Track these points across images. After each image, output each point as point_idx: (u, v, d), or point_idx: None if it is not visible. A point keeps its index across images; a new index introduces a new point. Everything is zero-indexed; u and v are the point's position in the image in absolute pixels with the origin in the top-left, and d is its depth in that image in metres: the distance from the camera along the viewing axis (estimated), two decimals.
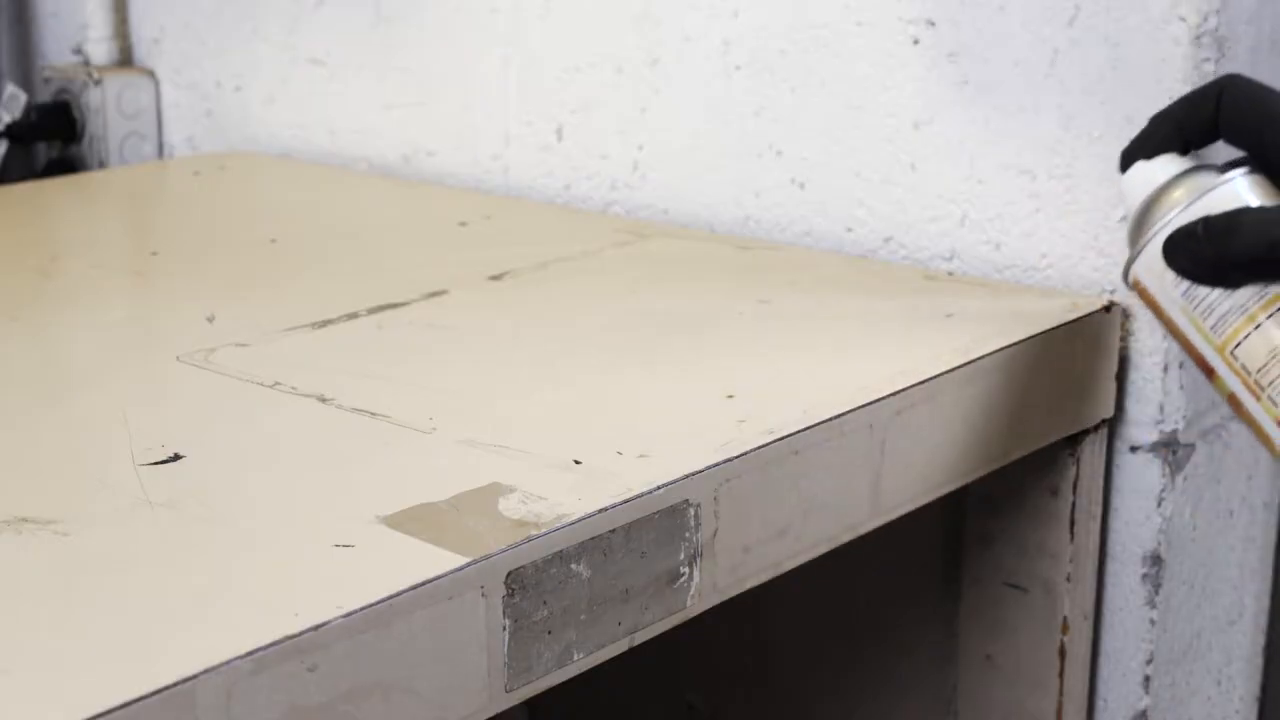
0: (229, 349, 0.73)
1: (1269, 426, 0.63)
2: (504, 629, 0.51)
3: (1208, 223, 0.61)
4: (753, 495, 0.60)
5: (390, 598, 0.48)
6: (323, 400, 0.66)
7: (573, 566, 0.53)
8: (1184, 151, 0.65)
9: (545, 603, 0.53)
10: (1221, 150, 0.65)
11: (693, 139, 1.00)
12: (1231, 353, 0.63)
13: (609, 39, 1.03)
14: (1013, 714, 0.88)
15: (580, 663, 0.54)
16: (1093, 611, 0.86)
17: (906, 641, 0.93)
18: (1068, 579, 0.84)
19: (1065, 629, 0.85)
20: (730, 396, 0.66)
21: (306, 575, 0.50)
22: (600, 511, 0.54)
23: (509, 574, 0.51)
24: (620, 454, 0.59)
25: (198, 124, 1.33)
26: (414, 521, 0.53)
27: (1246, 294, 0.62)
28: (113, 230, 1.08)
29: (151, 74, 1.35)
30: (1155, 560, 0.85)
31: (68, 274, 0.91)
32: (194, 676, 0.43)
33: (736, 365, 0.71)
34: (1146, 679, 0.87)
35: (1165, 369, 0.82)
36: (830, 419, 0.63)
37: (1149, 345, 0.82)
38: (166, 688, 0.43)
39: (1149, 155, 0.66)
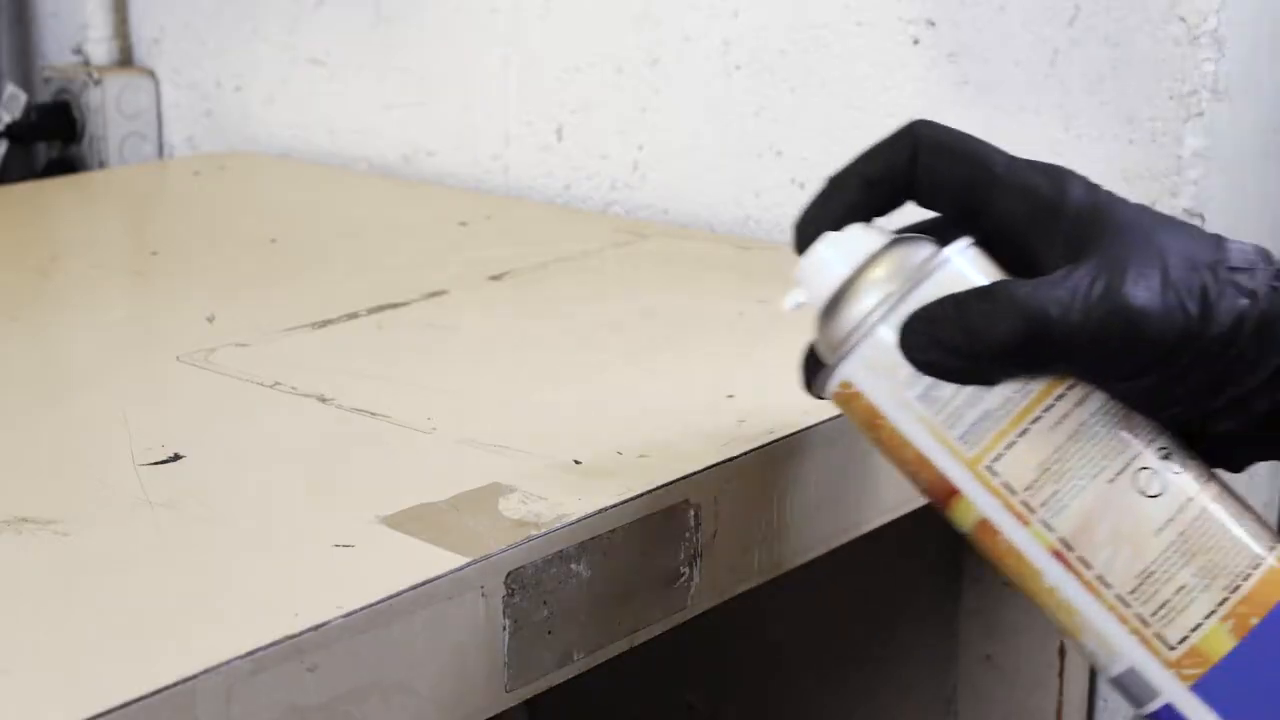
0: (229, 349, 0.73)
1: (1038, 558, 0.51)
2: (504, 629, 0.51)
3: (958, 302, 0.49)
4: (753, 495, 0.60)
5: (390, 598, 0.48)
6: (323, 400, 0.66)
7: (573, 566, 0.53)
8: (871, 219, 0.53)
9: (545, 603, 0.53)
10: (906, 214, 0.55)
11: (693, 139, 1.00)
12: (988, 468, 0.50)
13: (609, 39, 1.03)
14: (1013, 714, 0.88)
15: (580, 663, 0.54)
16: None
17: (906, 641, 0.93)
18: None
19: None
20: (730, 396, 0.66)
21: (306, 575, 0.50)
22: (600, 511, 0.54)
23: (509, 574, 0.51)
24: (620, 454, 0.59)
25: (198, 124, 1.33)
26: (414, 521, 0.53)
27: (1005, 392, 0.50)
28: (113, 230, 1.08)
29: (151, 74, 1.35)
30: None
31: (68, 274, 0.91)
32: (194, 676, 0.43)
33: (736, 365, 0.71)
34: None
35: None
36: (830, 419, 0.63)
37: None
38: (166, 688, 0.43)
39: (834, 225, 0.52)
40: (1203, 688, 0.49)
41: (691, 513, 0.58)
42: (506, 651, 0.51)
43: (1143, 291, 0.48)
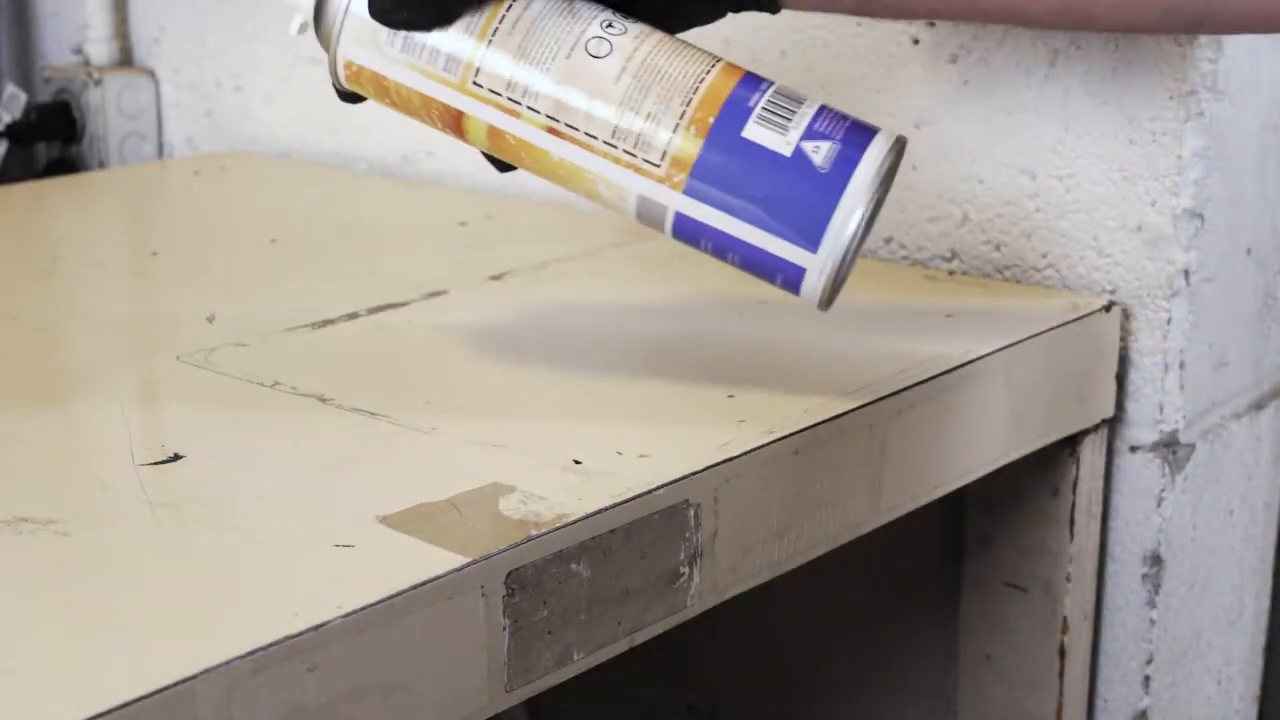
0: (229, 349, 0.73)
1: (538, 139, 0.61)
2: (504, 629, 0.51)
3: None
4: (753, 495, 0.60)
5: (390, 598, 0.48)
6: (323, 400, 0.66)
7: (573, 566, 0.53)
8: None
9: (545, 603, 0.53)
10: None
11: None
12: (474, 84, 0.61)
13: None
14: (1013, 714, 0.88)
15: (580, 663, 0.54)
16: (1093, 611, 0.86)
17: (906, 641, 0.93)
18: (1068, 579, 0.84)
19: (1065, 629, 0.85)
20: (730, 396, 0.66)
21: (306, 575, 0.50)
22: (600, 511, 0.54)
23: (509, 574, 0.51)
24: (620, 454, 0.59)
25: (198, 124, 1.33)
26: (414, 521, 0.53)
27: (465, 21, 0.61)
28: (113, 230, 1.08)
29: (151, 74, 1.35)
30: (1155, 560, 0.85)
31: (68, 274, 0.91)
32: (194, 676, 0.43)
33: (736, 365, 0.71)
34: (1146, 679, 0.87)
35: (1165, 369, 0.82)
36: (830, 419, 0.63)
37: (1149, 345, 0.82)
38: (166, 688, 0.43)
39: None
40: (692, 188, 0.61)
41: (691, 513, 0.58)
42: (506, 651, 0.51)
43: None
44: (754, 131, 0.60)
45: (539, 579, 0.52)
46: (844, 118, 0.62)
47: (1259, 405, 0.91)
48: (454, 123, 0.62)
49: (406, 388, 0.67)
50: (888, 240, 0.91)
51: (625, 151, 0.61)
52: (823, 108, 0.62)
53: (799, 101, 0.62)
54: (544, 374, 0.71)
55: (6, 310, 0.82)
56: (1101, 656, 0.88)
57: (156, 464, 0.59)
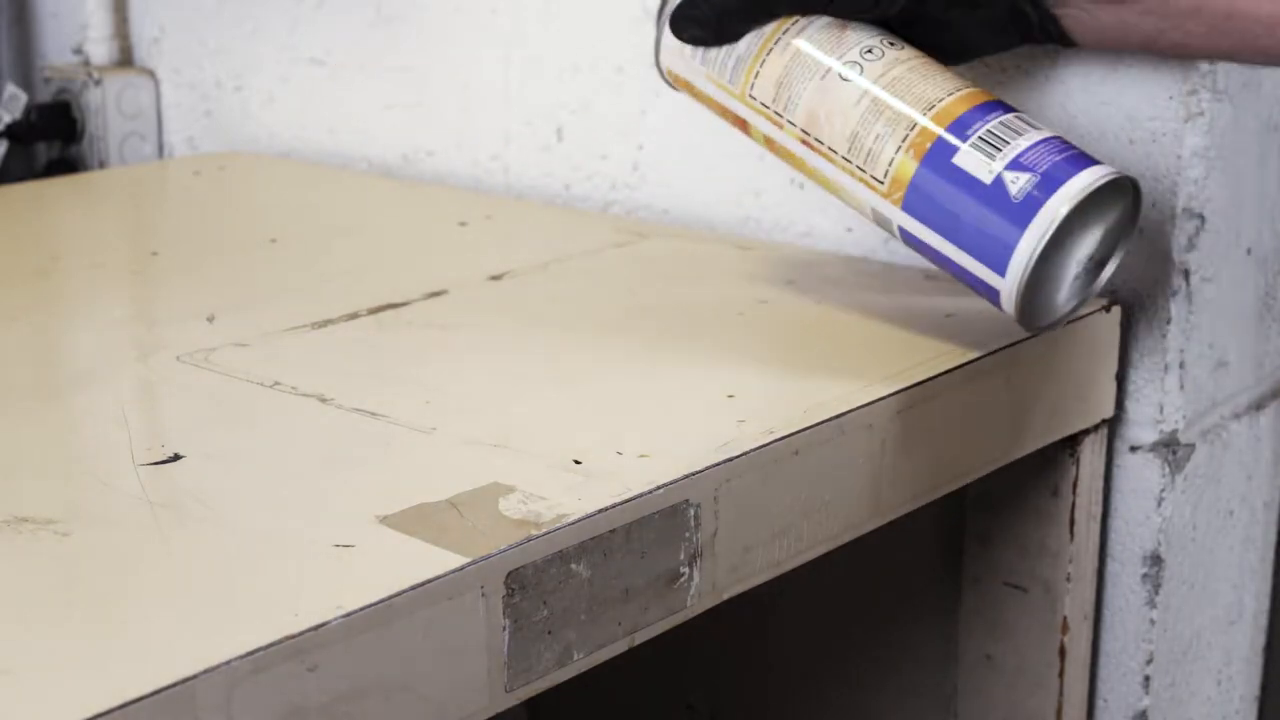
0: (229, 349, 0.73)
1: (795, 148, 0.71)
2: (504, 629, 0.51)
3: None
4: (753, 495, 0.60)
5: (390, 598, 0.48)
6: (323, 400, 0.66)
7: (573, 566, 0.53)
8: None
9: (545, 603, 0.53)
10: None
11: (693, 139, 1.00)
12: (750, 95, 0.71)
13: (609, 39, 1.03)
14: (1013, 714, 0.88)
15: (580, 663, 0.54)
16: (1093, 611, 0.86)
17: (906, 641, 0.93)
18: (1068, 579, 0.84)
19: (1065, 629, 0.85)
20: (730, 396, 0.66)
21: (306, 575, 0.50)
22: (600, 511, 0.54)
23: (509, 574, 0.51)
24: (620, 454, 0.59)
25: (198, 124, 1.33)
26: (414, 521, 0.53)
27: (748, 40, 0.71)
28: (113, 230, 1.08)
29: (151, 74, 1.35)
30: (1155, 560, 0.85)
31: (68, 274, 0.91)
32: (194, 676, 0.43)
33: (736, 365, 0.71)
34: (1146, 679, 0.87)
35: (1165, 369, 0.82)
36: (830, 419, 0.63)
37: (1149, 345, 0.82)
38: (166, 688, 0.43)
39: None
40: (908, 205, 0.68)
41: (691, 513, 0.58)
42: (506, 651, 0.51)
43: None
44: (964, 158, 0.66)
45: (539, 579, 0.52)
46: (1065, 150, 0.67)
47: (1259, 405, 0.91)
48: (742, 127, 0.73)
49: (406, 388, 0.67)
50: (887, 240, 0.91)
51: (858, 167, 0.69)
52: (1047, 140, 0.67)
53: (1021, 132, 0.67)
54: (544, 374, 0.71)
55: (6, 310, 0.82)
56: (1101, 656, 0.88)
57: (156, 464, 0.59)
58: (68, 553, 0.52)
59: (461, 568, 0.50)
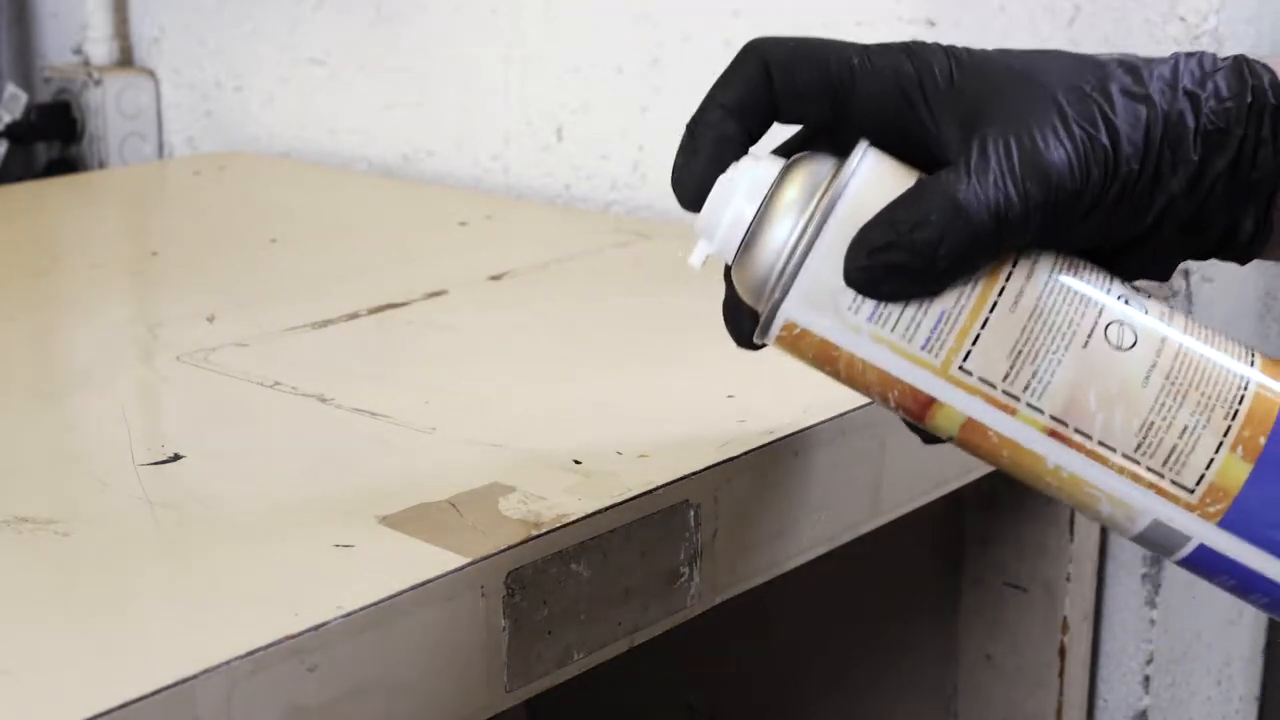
0: (229, 349, 0.73)
1: (1035, 442, 0.49)
2: (504, 629, 0.51)
3: (895, 221, 0.46)
4: (753, 495, 0.60)
5: (390, 598, 0.48)
6: (323, 400, 0.66)
7: (573, 566, 0.53)
8: (746, 150, 0.51)
9: (545, 603, 0.53)
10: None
11: None
12: (960, 369, 0.48)
13: (609, 39, 1.03)
14: (1013, 714, 0.88)
15: (580, 663, 0.54)
16: (1093, 611, 0.86)
17: (906, 641, 0.93)
18: (1068, 579, 0.84)
19: (1065, 629, 0.85)
20: (730, 396, 0.66)
21: (306, 575, 0.50)
22: (600, 511, 0.54)
23: (509, 574, 0.51)
24: (620, 454, 0.59)
25: (198, 124, 1.33)
26: (414, 521, 0.53)
27: (955, 289, 0.47)
28: (113, 230, 1.08)
29: (151, 74, 1.35)
30: (1155, 560, 0.85)
31: (68, 274, 0.91)
32: (194, 676, 0.43)
33: (736, 365, 0.71)
34: (1146, 679, 0.87)
35: None
36: (830, 419, 0.63)
37: None
38: (166, 688, 0.43)
39: (712, 167, 0.51)
40: (1231, 521, 0.49)
41: (691, 513, 0.58)
42: (506, 651, 0.51)
43: (1055, 146, 0.46)
44: None
45: (539, 579, 0.52)
46: None
47: None
48: (917, 408, 0.49)
49: (406, 388, 0.67)
50: None
51: (1149, 469, 0.49)
52: None
53: None
54: (544, 374, 0.71)
55: (6, 310, 0.82)
56: (1101, 656, 0.88)
57: (156, 464, 0.59)
58: (68, 553, 0.51)
59: (461, 568, 0.50)
